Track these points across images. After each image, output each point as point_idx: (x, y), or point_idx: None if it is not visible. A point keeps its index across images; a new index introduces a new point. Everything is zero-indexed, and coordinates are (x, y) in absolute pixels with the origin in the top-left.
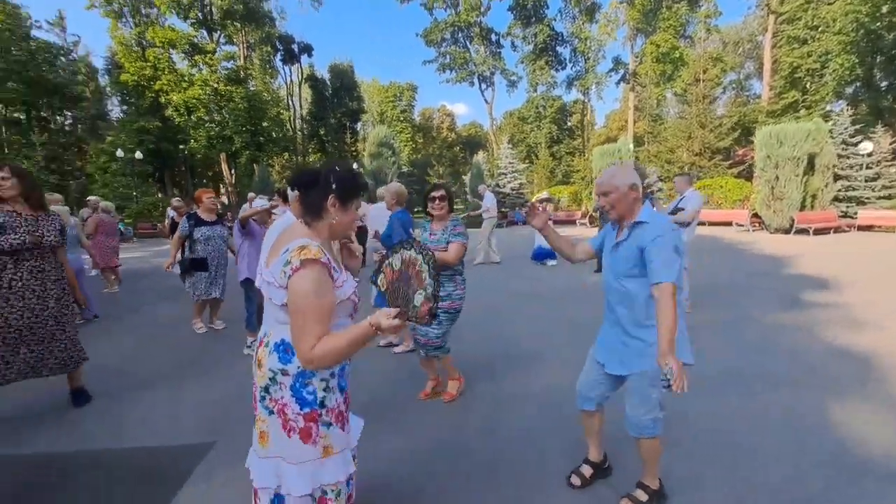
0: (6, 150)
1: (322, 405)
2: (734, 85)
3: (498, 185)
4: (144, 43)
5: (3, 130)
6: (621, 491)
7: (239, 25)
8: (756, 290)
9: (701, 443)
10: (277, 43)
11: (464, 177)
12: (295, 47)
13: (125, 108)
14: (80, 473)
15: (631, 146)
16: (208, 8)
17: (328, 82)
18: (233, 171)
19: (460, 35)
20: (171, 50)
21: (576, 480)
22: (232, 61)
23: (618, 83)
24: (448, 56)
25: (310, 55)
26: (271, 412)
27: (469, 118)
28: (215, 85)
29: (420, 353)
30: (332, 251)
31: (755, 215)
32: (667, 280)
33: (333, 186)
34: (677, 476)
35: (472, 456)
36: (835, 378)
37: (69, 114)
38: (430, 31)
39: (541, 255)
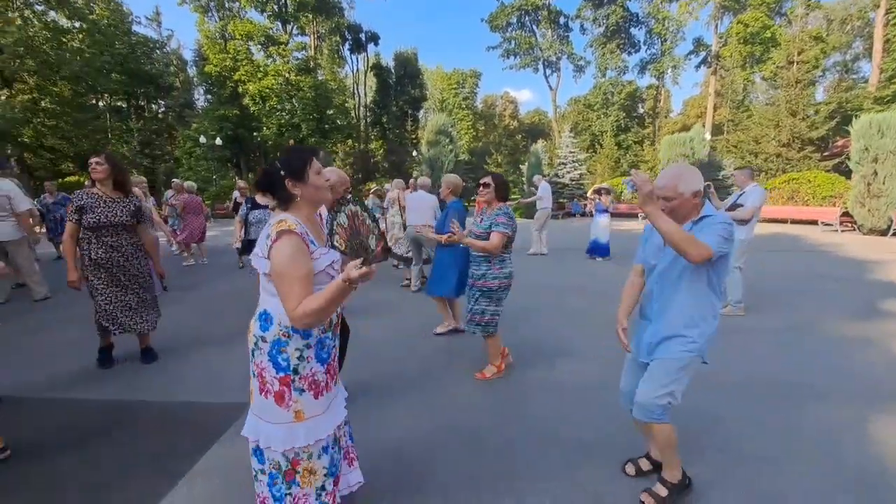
0: (109, 136)
1: (295, 371)
2: (839, 67)
3: (556, 175)
4: (227, 35)
5: (109, 117)
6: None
7: (311, 16)
8: (830, 296)
9: (726, 449)
10: (346, 32)
11: (521, 166)
12: (362, 36)
13: (209, 97)
14: (136, 420)
15: (707, 135)
16: (283, 0)
17: (392, 70)
18: None
19: (527, 19)
20: (248, 42)
21: (630, 469)
22: (304, 51)
23: (698, 67)
24: (513, 41)
25: (376, 44)
26: (254, 374)
27: (533, 105)
28: (287, 75)
29: (466, 328)
30: (315, 227)
31: (845, 214)
32: (712, 246)
33: (281, 171)
34: (695, 479)
35: (486, 440)
36: (892, 397)
37: (162, 102)
38: (495, 16)
39: (594, 250)
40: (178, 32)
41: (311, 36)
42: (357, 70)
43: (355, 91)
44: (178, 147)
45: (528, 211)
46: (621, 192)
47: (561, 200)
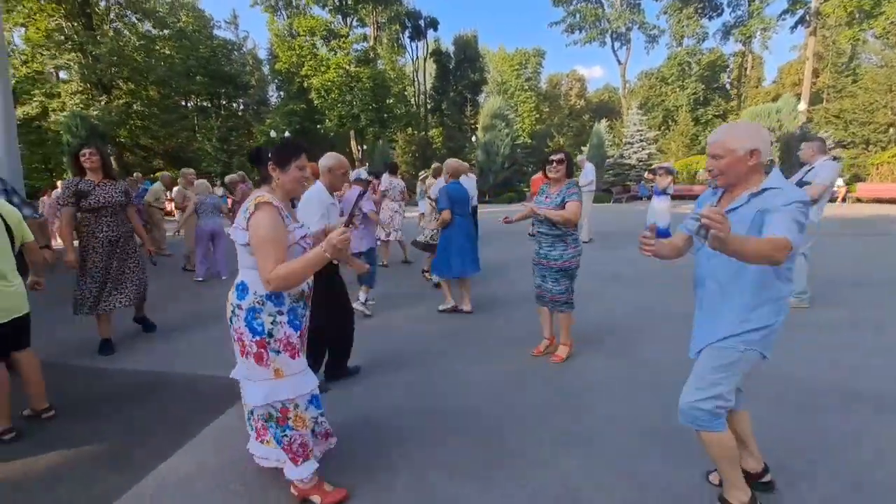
0: (196, 133)
1: (270, 335)
2: None
3: (622, 156)
4: (294, 33)
5: (195, 117)
6: None
7: (370, 7)
8: None
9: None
10: (405, 20)
11: (583, 147)
12: (421, 23)
13: (280, 93)
14: (153, 388)
15: (802, 105)
16: None
17: (452, 55)
18: (362, 147)
19: None
20: (312, 37)
21: (714, 478)
22: (364, 42)
23: (794, 27)
24: (577, 14)
25: (435, 29)
26: (234, 339)
27: (603, 82)
28: (347, 67)
29: (549, 307)
30: (288, 208)
31: None
32: (787, 235)
33: (270, 156)
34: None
35: (476, 423)
36: None
37: (240, 101)
38: None
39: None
40: (253, 32)
41: (372, 26)
42: (417, 57)
43: (415, 78)
44: (254, 141)
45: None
46: (695, 173)
47: (627, 183)
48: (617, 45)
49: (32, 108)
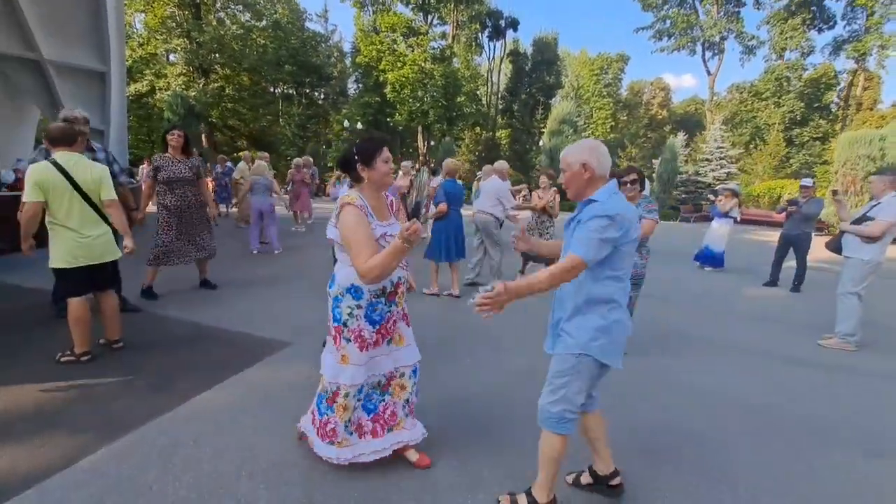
0: (279, 118)
1: (344, 325)
2: None
3: (697, 173)
4: (377, 28)
5: (280, 103)
6: None
7: (452, 6)
8: None
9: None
10: (486, 19)
11: (654, 160)
12: (502, 22)
13: (358, 85)
14: (201, 337)
15: None
16: None
17: (529, 57)
18: (429, 143)
19: None
20: (393, 33)
21: (568, 479)
22: (442, 40)
23: None
24: (668, 20)
25: (515, 29)
26: (329, 320)
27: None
28: (422, 64)
29: None
30: (380, 205)
31: None
32: (578, 253)
33: (356, 157)
34: None
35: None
36: None
37: (322, 90)
38: None
39: (704, 258)
40: (341, 26)
41: (451, 24)
42: (493, 57)
43: (489, 78)
44: (330, 130)
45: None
46: (778, 198)
47: (699, 202)
48: (708, 54)
49: (143, 85)
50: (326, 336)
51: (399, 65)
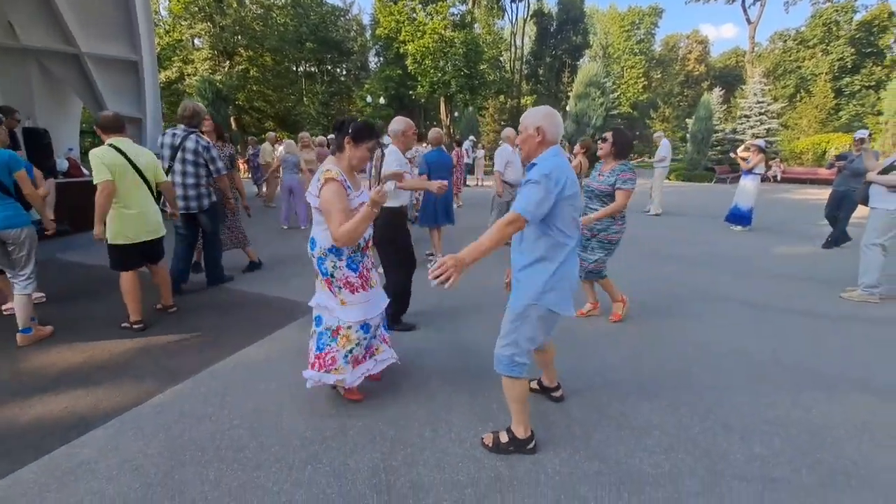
0: (303, 97)
1: (332, 276)
2: None
3: (734, 131)
4: None
5: (303, 82)
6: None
7: None
8: None
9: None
10: None
11: (688, 120)
12: None
13: (379, 59)
14: (243, 302)
15: None
16: None
17: (554, 16)
18: (452, 114)
19: None
20: (411, 1)
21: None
22: (463, 5)
23: None
24: None
25: None
26: (316, 276)
27: (733, 44)
28: (442, 32)
29: (581, 274)
30: (353, 177)
31: None
32: (517, 209)
33: (349, 130)
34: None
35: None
36: None
37: (343, 66)
38: None
39: (732, 217)
40: None
41: None
42: (516, 19)
43: (512, 42)
44: (353, 106)
45: (687, 173)
46: (824, 152)
47: (734, 162)
48: (749, 1)
49: (172, 72)
50: (318, 287)
51: (419, 34)
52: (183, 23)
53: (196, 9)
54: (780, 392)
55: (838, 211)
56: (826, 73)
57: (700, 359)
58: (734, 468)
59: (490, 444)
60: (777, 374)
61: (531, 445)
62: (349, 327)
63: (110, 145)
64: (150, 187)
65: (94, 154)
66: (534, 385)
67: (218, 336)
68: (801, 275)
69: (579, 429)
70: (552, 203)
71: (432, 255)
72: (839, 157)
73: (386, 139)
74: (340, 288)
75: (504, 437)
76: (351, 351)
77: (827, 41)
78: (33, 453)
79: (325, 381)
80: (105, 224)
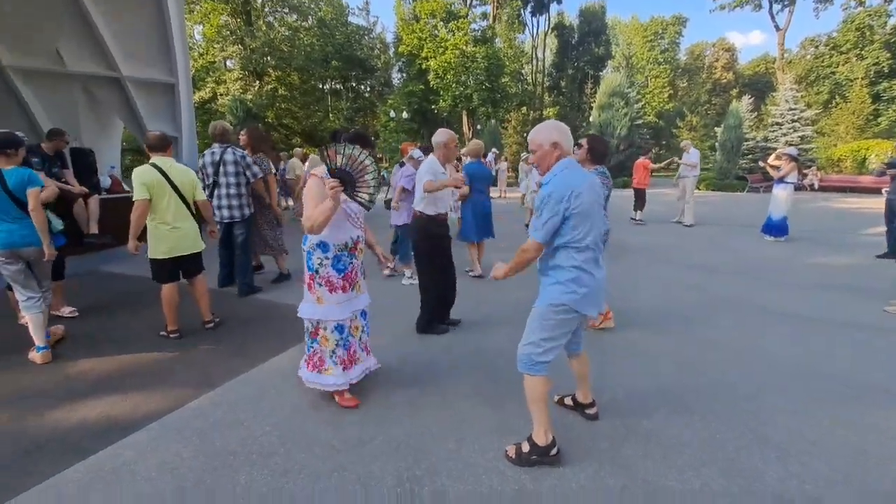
0: (328, 114)
1: (316, 272)
2: None
3: (766, 139)
4: (417, 16)
5: (329, 98)
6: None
7: None
8: None
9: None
10: None
11: (716, 129)
12: None
13: (402, 75)
14: (271, 312)
15: None
16: None
17: (575, 29)
18: (475, 126)
19: None
20: (433, 19)
21: (555, 397)
22: (483, 21)
23: None
24: None
25: (559, 2)
26: (305, 273)
27: (759, 51)
28: (464, 48)
29: None
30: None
31: None
32: (533, 237)
33: (342, 141)
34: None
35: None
36: None
37: (367, 83)
38: None
39: (767, 228)
40: (382, 17)
41: (492, 4)
42: (537, 33)
43: (534, 55)
44: (377, 121)
45: (718, 182)
46: (864, 159)
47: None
48: (777, 7)
49: (206, 93)
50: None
51: (441, 51)
52: (216, 46)
53: (228, 32)
54: (820, 407)
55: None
56: (862, 79)
57: (732, 370)
58: (770, 487)
59: (514, 456)
60: (816, 388)
61: (553, 452)
62: (325, 328)
63: (152, 164)
64: (187, 205)
65: (136, 172)
66: (568, 401)
67: (249, 346)
68: (840, 286)
69: (606, 443)
70: (561, 218)
71: (471, 271)
72: (890, 165)
73: (417, 153)
74: (321, 285)
75: (526, 447)
76: (334, 351)
77: (861, 46)
78: (78, 454)
79: (321, 385)
80: (138, 239)
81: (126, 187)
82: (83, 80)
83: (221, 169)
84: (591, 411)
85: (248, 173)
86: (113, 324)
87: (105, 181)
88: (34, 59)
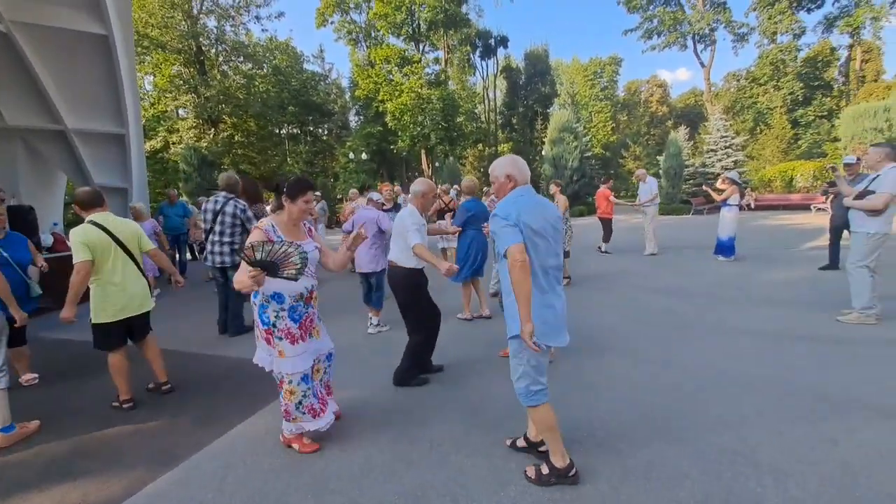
0: (286, 158)
1: (274, 325)
2: None
3: (703, 165)
4: (372, 62)
5: (287, 143)
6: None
7: (441, 32)
8: None
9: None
10: (476, 40)
11: (658, 157)
12: (492, 41)
13: (359, 118)
14: (234, 371)
15: None
16: (416, 23)
17: (522, 70)
18: (433, 164)
19: None
20: (387, 65)
21: (507, 441)
22: (436, 66)
23: None
24: (655, 20)
25: (506, 46)
26: (255, 325)
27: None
28: (419, 90)
29: None
30: (294, 230)
31: None
32: (505, 245)
33: (284, 190)
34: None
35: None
36: None
37: (325, 126)
38: None
39: (718, 249)
40: (337, 63)
41: (443, 50)
42: (487, 75)
43: (485, 96)
44: (336, 163)
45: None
46: (791, 179)
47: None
48: (700, 46)
49: (157, 142)
50: (258, 340)
51: (396, 94)
52: (168, 95)
53: (181, 82)
54: (802, 424)
55: (838, 236)
56: (780, 107)
57: (712, 393)
58: None
59: (533, 477)
60: (793, 406)
61: (572, 473)
62: (290, 381)
63: (90, 222)
64: (135, 261)
65: (75, 233)
66: (520, 443)
67: (214, 410)
68: (793, 300)
69: (606, 485)
70: (515, 228)
71: (469, 319)
72: (830, 184)
73: (375, 195)
74: (281, 339)
75: (545, 469)
76: (300, 402)
77: (777, 78)
78: None
79: (304, 428)
80: (77, 306)
81: (70, 245)
82: (22, 133)
83: (220, 217)
84: (543, 448)
85: (247, 226)
86: (60, 398)
87: (47, 239)
88: None
